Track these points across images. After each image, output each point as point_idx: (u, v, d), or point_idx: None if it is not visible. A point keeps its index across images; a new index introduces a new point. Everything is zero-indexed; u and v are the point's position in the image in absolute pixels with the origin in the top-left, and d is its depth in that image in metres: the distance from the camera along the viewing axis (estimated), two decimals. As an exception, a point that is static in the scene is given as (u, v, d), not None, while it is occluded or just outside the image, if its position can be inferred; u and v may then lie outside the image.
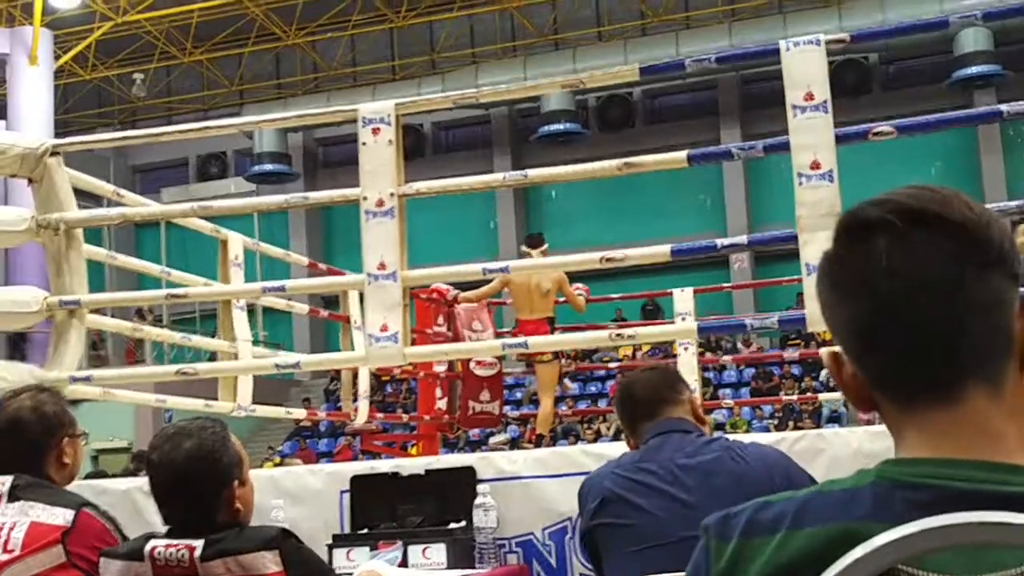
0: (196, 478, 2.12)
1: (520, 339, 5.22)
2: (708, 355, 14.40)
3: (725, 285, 9.83)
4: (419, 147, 21.72)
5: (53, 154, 4.63)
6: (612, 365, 14.98)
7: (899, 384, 0.98)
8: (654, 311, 19.24)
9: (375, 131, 4.84)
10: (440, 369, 7.74)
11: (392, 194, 4.74)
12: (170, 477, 2.14)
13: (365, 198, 4.74)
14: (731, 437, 2.80)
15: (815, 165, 4.21)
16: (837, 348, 1.03)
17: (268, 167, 21.31)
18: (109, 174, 22.03)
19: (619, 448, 3.03)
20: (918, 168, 18.84)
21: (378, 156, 4.76)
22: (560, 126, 20.35)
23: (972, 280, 0.96)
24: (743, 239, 4.48)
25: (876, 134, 4.28)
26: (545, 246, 7.53)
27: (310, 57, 22.32)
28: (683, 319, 8.61)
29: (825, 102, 4.20)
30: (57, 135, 18.63)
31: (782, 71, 4.22)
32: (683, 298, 8.68)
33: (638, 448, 2.63)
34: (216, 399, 5.63)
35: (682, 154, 4.38)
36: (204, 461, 2.13)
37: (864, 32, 4.38)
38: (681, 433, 2.60)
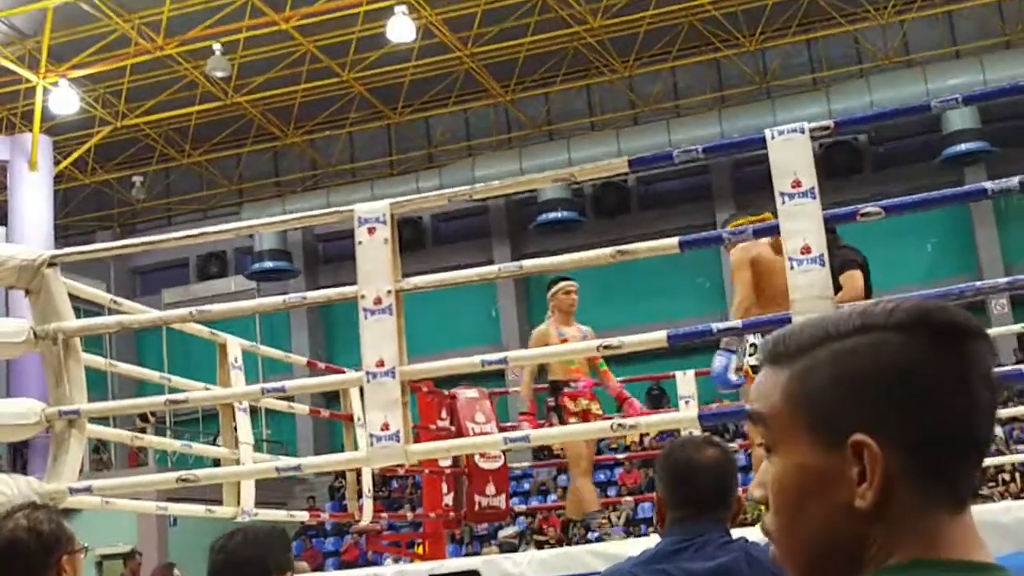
0: None
1: (523, 432, 5.20)
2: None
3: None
4: (419, 239, 21.87)
5: (51, 265, 4.68)
6: (620, 456, 14.88)
7: (964, 485, 0.98)
8: (659, 395, 19.18)
9: (371, 230, 4.90)
10: (445, 464, 7.70)
11: (389, 291, 4.77)
12: None
13: (363, 296, 4.78)
14: (751, 536, 2.68)
15: (806, 250, 4.24)
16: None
17: (268, 265, 21.44)
18: (109, 276, 22.17)
19: (627, 547, 3.00)
20: (914, 244, 18.97)
21: (374, 254, 4.82)
22: (557, 214, 20.53)
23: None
24: (738, 323, 4.51)
25: (864, 215, 4.34)
26: None
27: (308, 155, 22.61)
28: (686, 403, 8.60)
29: (812, 188, 4.26)
30: (57, 239, 18.82)
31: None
32: (686, 381, 8.69)
33: (667, 524, 2.52)
34: (219, 503, 5.60)
35: (674, 240, 4.44)
36: None
37: (847, 118, 4.48)
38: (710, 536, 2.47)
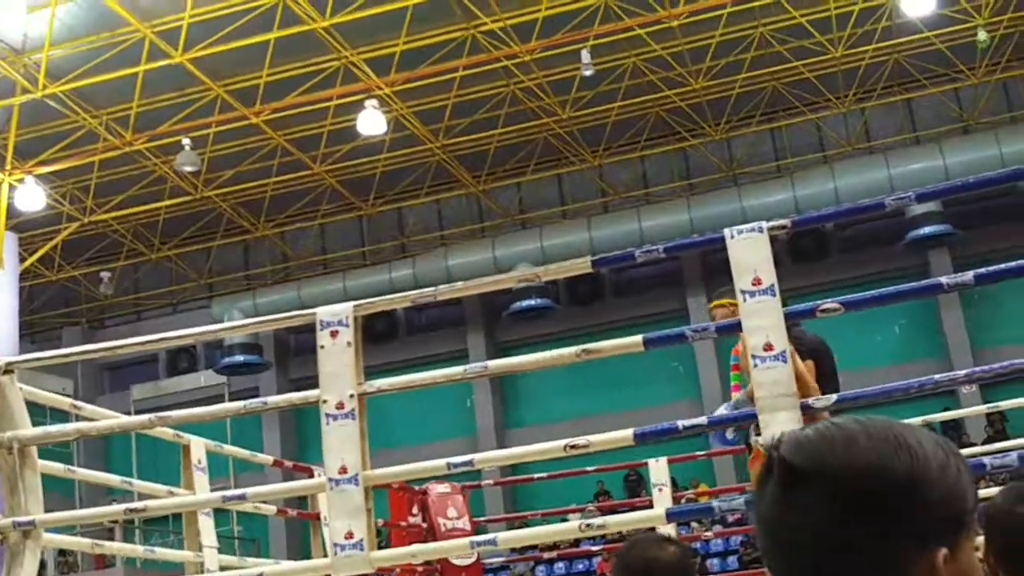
0: None
1: (490, 536, 5.13)
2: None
3: (699, 454, 9.75)
4: (393, 330, 21.84)
5: (6, 372, 4.62)
6: (595, 549, 14.71)
7: None
8: (636, 481, 19.06)
9: (333, 333, 4.88)
10: (418, 562, 7.57)
11: (352, 395, 4.74)
12: None
13: (325, 401, 4.74)
14: None
15: (768, 347, 4.25)
16: None
17: (239, 359, 21.29)
18: (77, 373, 21.94)
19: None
20: (881, 325, 19.09)
21: (337, 358, 4.79)
22: (531, 302, 20.57)
23: (844, 544, 0.97)
24: (703, 419, 4.49)
25: (823, 311, 4.36)
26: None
27: (279, 247, 22.62)
28: (660, 491, 8.53)
29: (772, 285, 4.27)
30: (23, 337, 18.63)
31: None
32: (658, 469, 8.64)
33: None
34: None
35: (638, 339, 4.46)
36: None
37: (805, 217, 4.52)
38: None
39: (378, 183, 20.85)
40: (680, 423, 4.40)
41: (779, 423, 4.13)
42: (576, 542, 18.78)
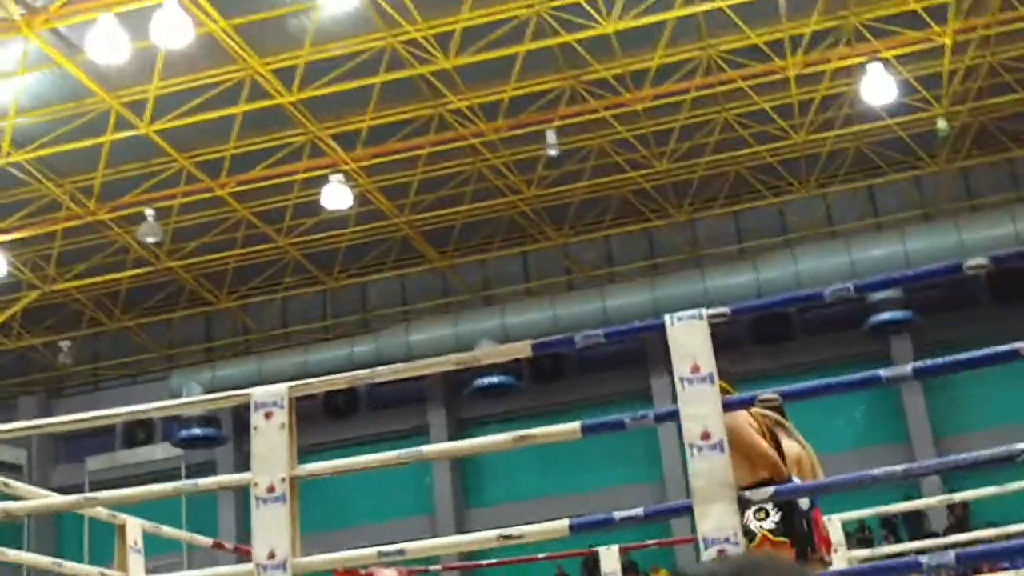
0: None
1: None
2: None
3: (651, 541, 9.61)
4: (353, 404, 21.60)
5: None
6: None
7: None
8: (594, 567, 18.81)
9: (268, 415, 4.77)
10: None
11: (284, 479, 4.62)
12: None
13: (256, 484, 4.61)
14: None
15: (705, 435, 4.18)
16: None
17: (196, 432, 20.97)
18: (31, 443, 21.54)
19: None
20: (843, 409, 19.08)
21: (270, 440, 4.67)
22: (493, 379, 20.44)
23: None
24: (640, 511, 4.40)
25: (762, 401, 4.32)
26: None
27: (241, 320, 22.44)
28: (611, 580, 8.38)
29: (711, 373, 4.22)
30: (-23, 406, 18.30)
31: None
32: (609, 557, 8.50)
33: None
34: None
35: (576, 425, 4.40)
36: None
37: (743, 306, 4.48)
38: None
39: (342, 257, 20.82)
40: (616, 515, 4.31)
41: (714, 514, 4.06)
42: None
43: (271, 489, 4.61)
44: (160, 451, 21.95)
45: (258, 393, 4.75)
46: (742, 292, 18.62)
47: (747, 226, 20.93)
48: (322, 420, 21.27)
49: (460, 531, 19.37)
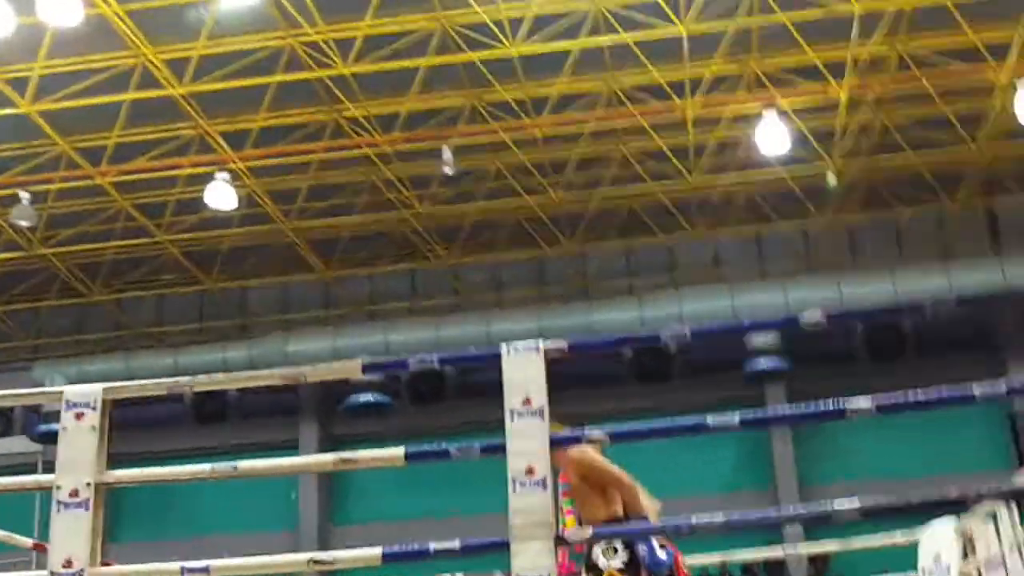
0: None
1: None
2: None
3: (498, 573, 9.40)
4: (221, 411, 20.99)
5: None
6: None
7: None
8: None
9: (79, 415, 4.51)
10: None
11: (89, 483, 4.35)
12: None
13: (58, 487, 4.34)
14: None
15: (530, 471, 4.03)
16: None
17: (56, 427, 20.12)
18: None
19: None
20: (712, 453, 19.21)
21: (78, 442, 4.42)
22: (369, 397, 20.11)
23: None
24: (456, 544, 4.22)
25: (590, 441, 4.21)
26: None
27: (114, 314, 21.69)
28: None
29: (542, 408, 4.08)
30: None
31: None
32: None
33: None
34: None
35: (400, 451, 4.24)
36: None
37: (581, 342, 4.35)
38: None
39: (223, 258, 20.29)
40: (432, 546, 4.15)
41: (530, 552, 3.92)
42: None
43: (74, 494, 4.35)
44: (18, 444, 21.08)
45: (70, 392, 4.50)
46: (627, 328, 18.70)
47: (637, 262, 21.00)
48: (190, 425, 20.67)
49: (322, 548, 18.94)
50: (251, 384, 4.33)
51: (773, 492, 18.70)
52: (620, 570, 4.84)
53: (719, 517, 3.94)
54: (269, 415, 20.87)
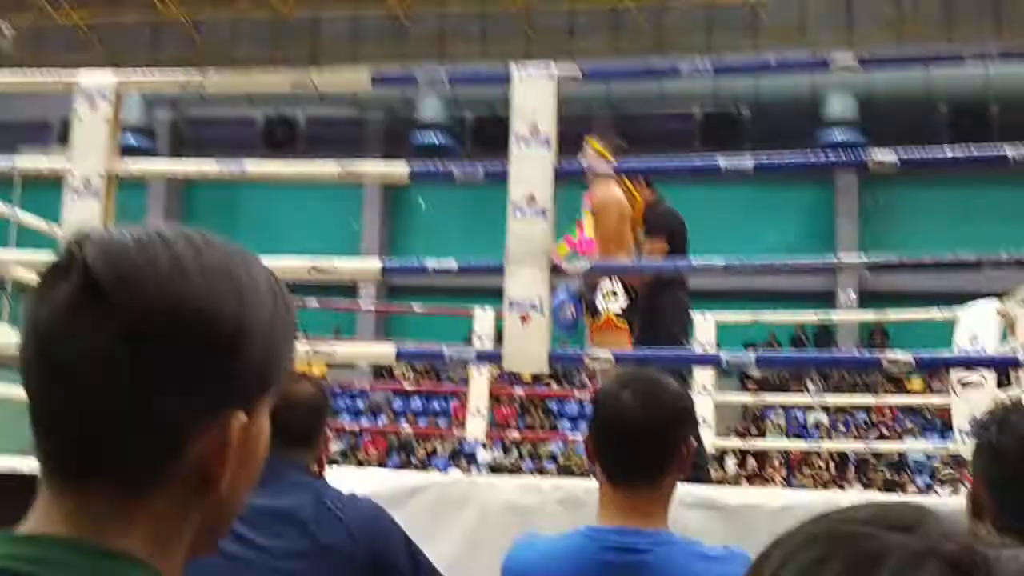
0: None
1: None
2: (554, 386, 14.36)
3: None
4: (291, 139, 21.19)
5: None
6: (462, 389, 14.77)
7: None
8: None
9: (93, 105, 4.53)
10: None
11: (101, 175, 4.41)
12: None
13: (73, 175, 4.41)
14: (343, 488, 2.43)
15: (531, 199, 4.00)
16: None
17: (131, 141, 20.47)
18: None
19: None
20: (776, 223, 19.00)
21: (92, 132, 4.45)
22: (434, 139, 20.10)
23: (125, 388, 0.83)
24: (452, 264, 4.22)
25: (600, 175, 4.12)
26: None
27: (188, 32, 21.57)
28: (479, 340, 8.40)
29: (549, 138, 3.99)
30: None
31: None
32: (484, 318, 8.52)
33: None
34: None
35: (404, 168, 4.25)
36: None
37: (597, 69, 4.19)
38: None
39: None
40: (430, 264, 4.17)
41: (524, 278, 3.93)
42: (439, 378, 18.88)
43: (86, 182, 4.43)
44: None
45: (85, 81, 4.49)
46: (699, 89, 18.31)
47: (716, 19, 20.17)
48: (260, 150, 20.92)
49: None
50: (257, 89, 4.28)
51: (835, 272, 18.59)
52: (618, 315, 4.83)
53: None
54: (336, 147, 21.01)
